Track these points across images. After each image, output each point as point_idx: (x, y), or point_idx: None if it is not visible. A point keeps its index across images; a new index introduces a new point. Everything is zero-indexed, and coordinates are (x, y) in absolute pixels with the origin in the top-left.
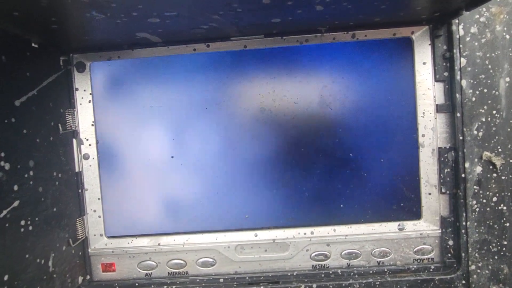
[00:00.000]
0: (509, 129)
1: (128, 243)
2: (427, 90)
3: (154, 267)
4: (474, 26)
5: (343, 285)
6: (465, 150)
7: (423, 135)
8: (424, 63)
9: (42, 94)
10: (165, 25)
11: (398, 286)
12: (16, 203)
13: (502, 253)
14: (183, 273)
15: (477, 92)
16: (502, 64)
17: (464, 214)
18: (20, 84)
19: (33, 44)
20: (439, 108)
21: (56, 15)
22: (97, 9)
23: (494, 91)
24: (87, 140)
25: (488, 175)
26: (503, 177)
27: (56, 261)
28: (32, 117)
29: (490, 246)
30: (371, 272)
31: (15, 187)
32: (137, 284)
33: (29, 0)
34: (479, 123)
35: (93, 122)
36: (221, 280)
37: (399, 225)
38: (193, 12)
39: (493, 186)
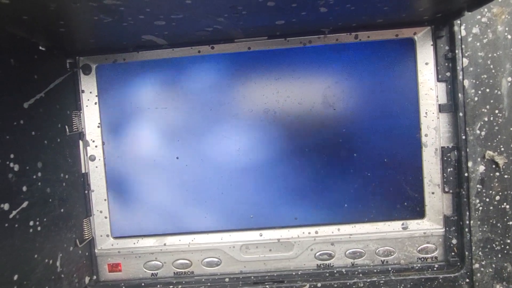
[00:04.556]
0: (511, 128)
1: (134, 243)
2: (430, 90)
3: (160, 267)
4: (476, 26)
5: (348, 284)
6: (468, 150)
7: (426, 135)
8: (426, 64)
9: (49, 97)
10: (171, 28)
11: (402, 285)
12: (25, 204)
13: (505, 251)
14: (189, 273)
15: (480, 92)
16: (504, 64)
17: (468, 213)
18: (28, 87)
19: (40, 47)
20: (441, 108)
21: (64, 19)
22: (105, 12)
23: (496, 91)
24: (93, 141)
25: (491, 174)
26: (506, 176)
27: (64, 261)
28: (39, 119)
29: (494, 245)
30: (375, 271)
31: (24, 188)
32: (143, 284)
33: (38, 4)
34: (482, 123)
35: (99, 123)
36: (227, 279)
37: (402, 224)
38: (198, 14)
39: (496, 185)
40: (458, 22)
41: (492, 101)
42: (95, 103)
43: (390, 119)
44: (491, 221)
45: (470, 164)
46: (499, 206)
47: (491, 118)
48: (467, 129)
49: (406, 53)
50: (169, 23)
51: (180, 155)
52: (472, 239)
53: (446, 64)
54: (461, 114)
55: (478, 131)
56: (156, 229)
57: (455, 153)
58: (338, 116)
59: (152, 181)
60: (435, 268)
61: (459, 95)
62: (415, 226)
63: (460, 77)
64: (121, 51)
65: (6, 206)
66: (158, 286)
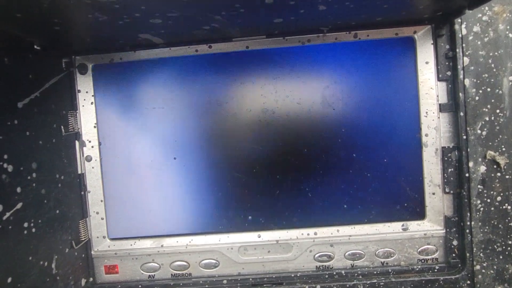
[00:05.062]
0: None
1: (131, 245)
2: (430, 89)
3: (157, 269)
4: (477, 25)
5: (347, 286)
6: (468, 150)
7: (426, 135)
8: (426, 63)
9: (45, 96)
10: (167, 26)
11: (403, 287)
12: (19, 205)
13: (507, 252)
14: (186, 274)
15: (480, 91)
16: (505, 63)
17: (468, 214)
18: (23, 86)
19: (35, 46)
20: (442, 108)
21: (59, 17)
22: (100, 10)
23: (497, 90)
24: (90, 142)
25: (492, 175)
26: (507, 176)
27: (59, 263)
28: (34, 119)
29: (495, 246)
30: (375, 272)
31: (18, 189)
32: (140, 286)
33: (31, 1)
34: (483, 122)
35: (95, 124)
36: (225, 281)
37: (403, 225)
38: (195, 12)
39: (497, 185)
40: (459, 20)
41: (493, 100)
42: (92, 103)
43: (390, 119)
44: (492, 222)
45: (471, 164)
46: (501, 207)
47: (492, 118)
48: (468, 129)
49: (406, 52)
50: (165, 21)
51: (178, 156)
52: (473, 240)
53: (447, 63)
54: (461, 113)
55: (479, 131)
56: (153, 231)
57: (456, 153)
58: (337, 116)
59: (149, 182)
60: (435, 270)
61: (460, 94)
62: (415, 227)
63: (461, 76)
64: (118, 50)
65: None
66: None
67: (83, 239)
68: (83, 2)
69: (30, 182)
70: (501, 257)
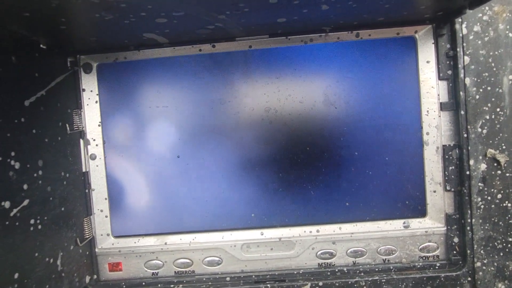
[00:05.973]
0: None
1: (135, 242)
2: (431, 88)
3: (161, 266)
4: (477, 24)
5: (349, 283)
6: (469, 148)
7: (427, 133)
8: (427, 62)
9: (50, 95)
10: (172, 25)
11: (404, 284)
12: (25, 202)
13: (507, 250)
14: (190, 272)
15: (481, 90)
16: (505, 62)
17: (469, 211)
18: (29, 85)
19: (41, 45)
20: (443, 106)
21: (66, 16)
22: (107, 9)
23: (497, 89)
24: (94, 140)
25: (493, 172)
26: (507, 174)
27: (64, 260)
28: (40, 117)
29: (496, 243)
30: (376, 269)
31: (25, 186)
32: (143, 284)
33: (41, 0)
34: (483, 121)
35: (99, 122)
36: (228, 278)
37: (404, 222)
38: (200, 12)
39: (498, 183)
40: (460, 20)
41: (493, 99)
42: (96, 102)
43: (391, 117)
44: (492, 219)
45: (471, 162)
46: (501, 204)
47: (493, 116)
48: (468, 127)
49: (407, 51)
50: (170, 20)
51: (181, 154)
52: (474, 238)
53: (448, 62)
54: (462, 112)
55: (479, 129)
56: (156, 228)
57: (457, 151)
58: (340, 114)
59: (153, 180)
60: (436, 267)
61: (461, 93)
62: (417, 224)
63: (462, 75)
64: (122, 50)
65: (7, 204)
66: (159, 285)
67: (87, 236)
68: (90, 2)
69: (36, 180)
70: (501, 254)
